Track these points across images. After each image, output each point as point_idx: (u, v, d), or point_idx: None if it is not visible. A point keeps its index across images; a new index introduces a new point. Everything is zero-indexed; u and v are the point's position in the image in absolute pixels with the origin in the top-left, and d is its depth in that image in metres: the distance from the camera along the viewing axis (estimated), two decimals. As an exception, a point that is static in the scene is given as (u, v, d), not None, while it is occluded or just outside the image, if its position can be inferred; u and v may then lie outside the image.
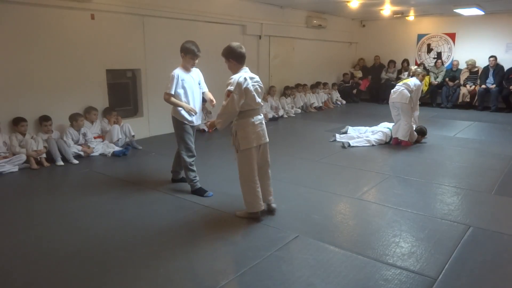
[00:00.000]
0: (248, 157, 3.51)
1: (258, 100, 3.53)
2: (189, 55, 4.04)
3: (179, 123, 4.17)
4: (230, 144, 3.69)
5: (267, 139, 3.64)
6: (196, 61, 4.12)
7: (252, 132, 3.49)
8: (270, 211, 3.71)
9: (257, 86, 3.53)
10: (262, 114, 3.65)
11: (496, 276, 2.75)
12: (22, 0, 5.28)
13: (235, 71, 3.52)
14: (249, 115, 3.49)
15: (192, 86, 4.14)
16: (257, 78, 3.57)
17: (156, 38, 6.98)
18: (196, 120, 4.25)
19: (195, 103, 4.18)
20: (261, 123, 3.57)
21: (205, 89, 4.34)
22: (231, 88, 3.38)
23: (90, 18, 6.08)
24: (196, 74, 4.24)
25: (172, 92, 4.01)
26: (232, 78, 3.44)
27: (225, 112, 3.44)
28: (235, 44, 3.52)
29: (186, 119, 4.14)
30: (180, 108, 4.10)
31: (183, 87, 4.07)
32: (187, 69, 4.13)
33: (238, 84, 3.38)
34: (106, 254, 2.98)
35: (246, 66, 3.56)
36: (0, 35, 5.19)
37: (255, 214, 3.57)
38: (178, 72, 4.06)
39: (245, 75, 3.45)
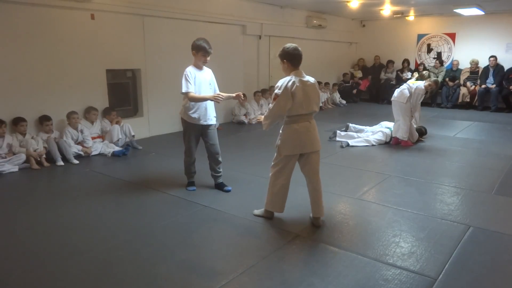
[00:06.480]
0: (283, 161, 3.43)
1: (309, 105, 3.34)
2: (200, 52, 4.01)
3: (185, 124, 4.19)
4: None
5: (316, 148, 3.44)
6: (208, 58, 4.07)
7: (293, 139, 3.36)
8: (315, 226, 3.46)
9: (309, 91, 3.33)
10: (312, 121, 3.44)
11: (496, 276, 2.76)
12: (22, 0, 5.28)
13: (288, 73, 3.37)
14: (294, 121, 3.35)
15: (202, 85, 4.08)
16: (311, 81, 3.38)
17: (156, 38, 6.98)
18: (205, 120, 4.16)
19: (206, 103, 4.12)
20: (307, 130, 3.37)
21: (217, 91, 4.22)
22: (278, 91, 3.29)
23: (90, 18, 6.08)
24: (208, 74, 4.19)
25: (190, 90, 3.95)
26: (280, 81, 3.34)
27: (271, 115, 3.36)
28: (290, 45, 3.36)
29: (194, 119, 4.11)
30: (191, 110, 4.06)
31: (194, 85, 4.02)
32: (199, 67, 4.10)
33: (286, 89, 3.24)
34: (106, 253, 2.98)
35: (300, 69, 3.38)
36: (0, 35, 5.20)
37: (269, 213, 3.56)
38: (190, 69, 4.04)
39: (295, 79, 3.28)
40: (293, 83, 3.27)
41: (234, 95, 4.03)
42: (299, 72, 3.36)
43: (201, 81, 4.08)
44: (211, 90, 4.19)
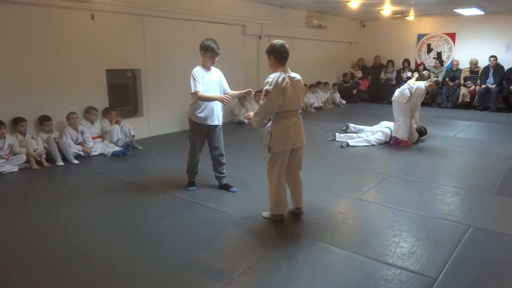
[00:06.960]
0: (278, 160, 3.42)
1: (298, 101, 3.40)
2: (208, 52, 4.02)
3: (192, 123, 4.19)
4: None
5: (303, 143, 3.54)
6: (216, 59, 4.08)
7: (286, 135, 3.39)
8: (298, 214, 3.64)
9: (297, 87, 3.38)
10: (300, 116, 3.51)
11: (496, 276, 2.76)
12: (22, 0, 5.28)
13: (275, 69, 3.40)
14: (285, 117, 3.36)
15: (210, 85, 4.07)
16: (298, 77, 3.43)
17: (156, 38, 6.98)
18: (212, 120, 4.15)
19: (213, 103, 4.10)
20: (297, 125, 3.45)
21: (228, 90, 4.24)
22: (269, 88, 3.27)
23: (90, 18, 6.08)
24: (216, 75, 4.18)
25: (199, 89, 3.95)
26: (270, 77, 3.33)
27: (261, 112, 3.35)
28: (277, 42, 3.39)
29: (200, 119, 4.11)
30: (198, 110, 4.06)
31: (202, 84, 4.01)
32: (206, 67, 4.09)
33: (276, 85, 3.24)
34: (106, 253, 2.98)
35: (287, 66, 3.43)
36: (0, 35, 5.20)
37: (278, 216, 3.53)
38: (198, 69, 4.04)
39: (284, 75, 3.31)
40: (283, 79, 3.28)
41: (244, 91, 4.05)
42: (286, 69, 3.39)
43: (208, 81, 4.07)
44: (219, 91, 4.16)
